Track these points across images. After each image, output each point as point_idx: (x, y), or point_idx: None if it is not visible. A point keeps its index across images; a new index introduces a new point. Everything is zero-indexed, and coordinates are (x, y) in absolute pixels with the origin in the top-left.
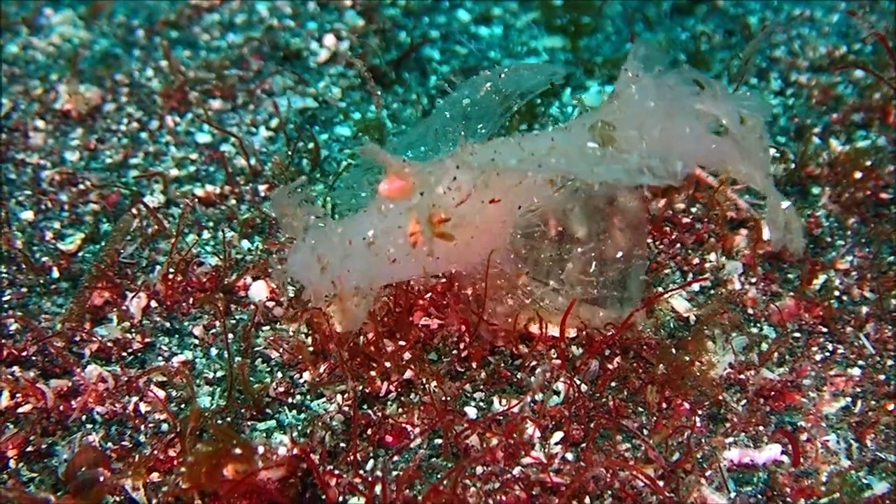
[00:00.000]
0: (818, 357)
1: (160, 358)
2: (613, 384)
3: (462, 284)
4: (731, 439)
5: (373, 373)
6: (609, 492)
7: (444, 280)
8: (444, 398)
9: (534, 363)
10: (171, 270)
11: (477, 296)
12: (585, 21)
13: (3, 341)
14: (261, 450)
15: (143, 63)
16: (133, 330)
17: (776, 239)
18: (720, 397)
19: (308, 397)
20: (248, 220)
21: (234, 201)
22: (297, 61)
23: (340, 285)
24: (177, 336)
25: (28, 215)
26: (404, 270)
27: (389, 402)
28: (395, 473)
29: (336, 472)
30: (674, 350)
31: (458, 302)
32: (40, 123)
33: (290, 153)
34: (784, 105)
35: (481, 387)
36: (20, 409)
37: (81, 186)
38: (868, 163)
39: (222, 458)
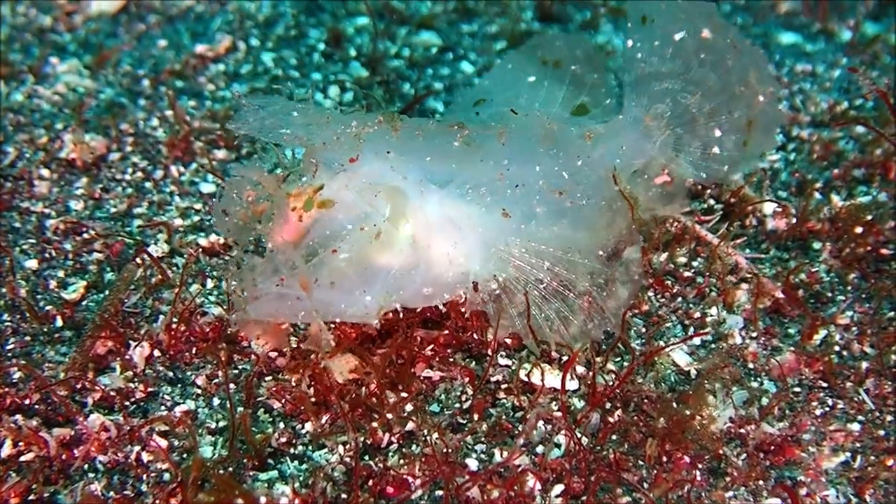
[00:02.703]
0: (818, 412)
1: (163, 407)
2: (614, 437)
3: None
4: (731, 493)
5: (374, 424)
6: None
7: (446, 332)
8: (445, 450)
9: (533, 409)
10: (175, 320)
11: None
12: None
13: (7, 389)
14: (263, 500)
15: (148, 113)
16: (136, 379)
17: None
18: (720, 451)
19: (310, 448)
20: None
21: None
22: None
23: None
24: (179, 386)
25: (32, 264)
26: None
27: (391, 454)
28: None
29: None
30: (675, 404)
31: (460, 343)
32: (45, 172)
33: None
34: (786, 160)
35: (483, 439)
36: (23, 458)
37: (86, 235)
38: (869, 218)
39: None
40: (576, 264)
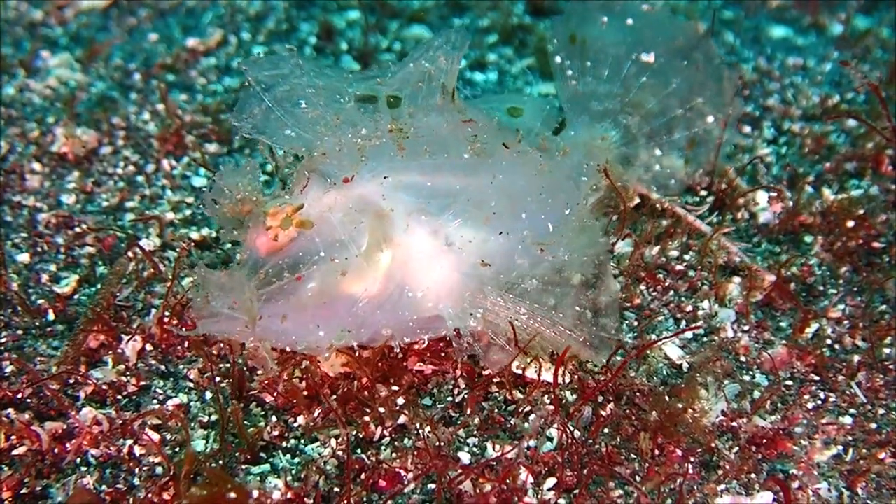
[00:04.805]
0: (810, 405)
1: (155, 401)
2: (606, 431)
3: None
4: (723, 486)
5: (366, 418)
6: None
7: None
8: (437, 443)
9: (527, 408)
10: (167, 314)
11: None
12: None
13: None
14: (255, 494)
15: (139, 106)
16: (128, 373)
17: None
18: (712, 445)
19: (302, 441)
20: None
21: (229, 245)
22: None
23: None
24: (171, 379)
25: (24, 258)
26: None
27: (383, 447)
28: None
29: None
30: (667, 397)
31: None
32: (37, 166)
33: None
34: (777, 153)
35: (475, 432)
36: (15, 452)
37: (77, 229)
38: (860, 212)
39: (217, 501)
40: (553, 319)
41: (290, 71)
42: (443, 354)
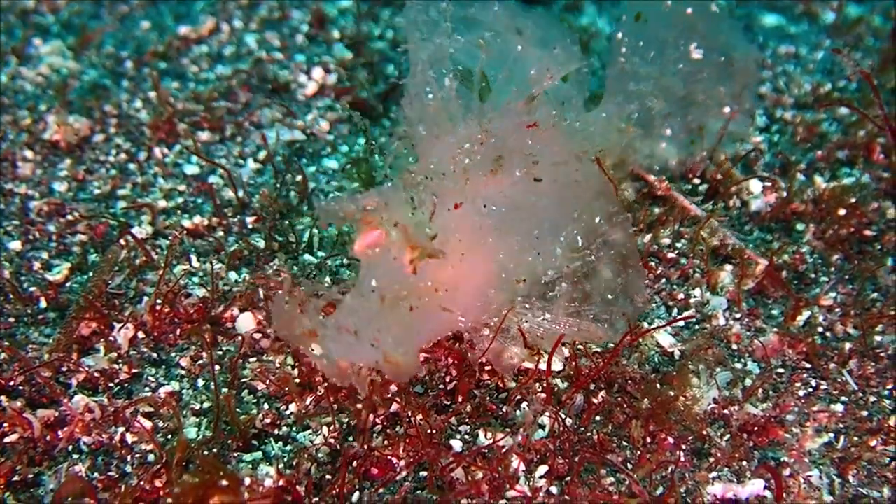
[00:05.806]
0: (801, 393)
1: (147, 389)
2: (598, 418)
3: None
4: (714, 474)
5: (359, 406)
6: None
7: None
8: (429, 431)
9: (519, 397)
10: (159, 301)
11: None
12: None
13: None
14: (247, 481)
15: (131, 94)
16: (120, 360)
17: None
18: (704, 432)
19: (294, 429)
20: (236, 252)
21: (221, 233)
22: (285, 94)
23: (379, 346)
24: (164, 367)
25: (16, 245)
26: (428, 322)
27: (375, 435)
28: None
29: None
30: (658, 385)
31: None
32: (29, 153)
33: (277, 185)
34: (769, 141)
35: (467, 420)
36: (7, 439)
37: (69, 217)
38: (852, 200)
39: (209, 489)
40: (581, 314)
41: (428, 28)
42: (435, 342)
